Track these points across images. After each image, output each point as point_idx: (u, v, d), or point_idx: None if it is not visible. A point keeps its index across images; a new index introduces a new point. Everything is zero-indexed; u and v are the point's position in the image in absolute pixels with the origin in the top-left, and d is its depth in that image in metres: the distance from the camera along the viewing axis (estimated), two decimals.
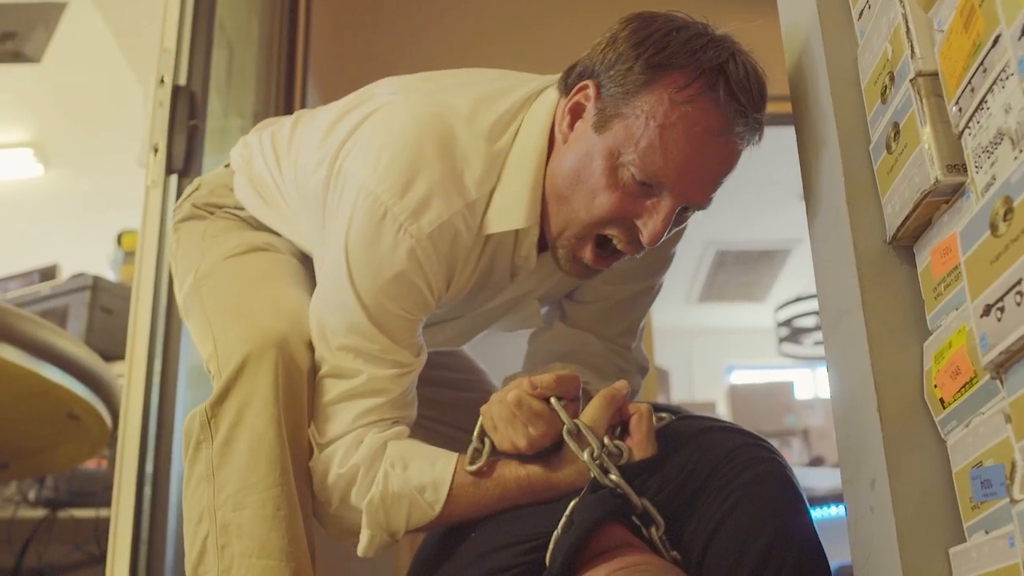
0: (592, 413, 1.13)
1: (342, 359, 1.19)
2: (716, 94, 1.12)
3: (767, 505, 1.07)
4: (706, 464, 1.11)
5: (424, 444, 1.22)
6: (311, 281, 1.31)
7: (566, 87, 1.22)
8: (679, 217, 1.19)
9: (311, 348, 1.22)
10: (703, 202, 1.18)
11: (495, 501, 1.16)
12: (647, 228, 1.15)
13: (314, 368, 1.22)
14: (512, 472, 1.16)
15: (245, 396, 1.16)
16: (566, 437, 1.12)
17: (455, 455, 1.19)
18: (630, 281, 1.38)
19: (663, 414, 1.21)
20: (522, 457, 1.16)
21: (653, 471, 1.12)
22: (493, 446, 1.17)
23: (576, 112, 1.20)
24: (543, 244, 1.26)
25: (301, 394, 1.19)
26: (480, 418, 1.18)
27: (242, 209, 1.44)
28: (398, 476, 1.17)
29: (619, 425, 1.16)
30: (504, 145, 1.22)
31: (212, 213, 1.45)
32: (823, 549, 1.09)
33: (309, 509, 1.20)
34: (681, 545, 1.10)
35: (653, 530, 1.09)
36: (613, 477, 1.09)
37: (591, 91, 1.18)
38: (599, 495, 1.08)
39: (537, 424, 1.12)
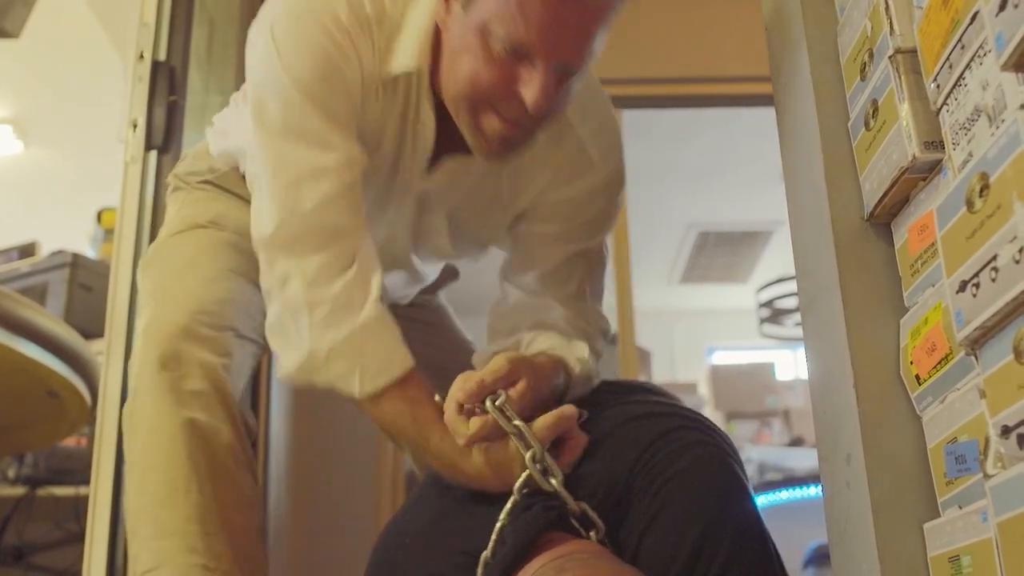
0: (541, 427, 1.10)
1: (287, 150, 1.20)
2: None
3: (694, 498, 1.05)
4: (624, 464, 1.08)
5: (394, 334, 1.22)
6: (245, 260, 1.32)
7: None
8: (561, 80, 1.16)
9: (209, 342, 1.24)
10: (576, 62, 1.15)
11: (410, 436, 1.19)
12: (528, 95, 1.14)
13: (209, 362, 1.23)
14: (437, 433, 1.15)
15: (144, 389, 1.22)
16: (512, 438, 1.10)
17: (411, 363, 1.19)
18: (561, 240, 1.36)
19: (582, 410, 1.16)
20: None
21: (578, 478, 1.10)
22: None
23: None
24: (454, 146, 1.26)
25: (197, 384, 1.22)
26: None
27: (213, 171, 1.45)
28: (356, 340, 1.17)
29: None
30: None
31: (188, 184, 1.48)
32: (763, 532, 1.07)
33: (232, 494, 1.22)
34: (617, 549, 1.07)
35: (593, 534, 1.06)
36: (554, 482, 1.07)
37: None
38: (531, 514, 1.05)
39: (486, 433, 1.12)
